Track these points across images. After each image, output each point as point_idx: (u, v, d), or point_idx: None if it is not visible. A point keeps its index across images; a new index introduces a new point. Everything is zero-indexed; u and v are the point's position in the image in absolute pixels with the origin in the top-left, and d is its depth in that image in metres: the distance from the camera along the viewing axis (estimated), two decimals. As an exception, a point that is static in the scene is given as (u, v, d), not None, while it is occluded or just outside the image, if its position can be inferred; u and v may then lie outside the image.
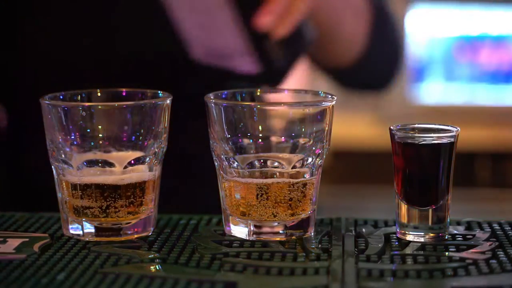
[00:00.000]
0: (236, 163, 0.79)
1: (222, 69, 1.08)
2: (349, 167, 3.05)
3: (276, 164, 0.79)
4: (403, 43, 1.35)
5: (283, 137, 0.78)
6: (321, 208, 0.86)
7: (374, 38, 1.24)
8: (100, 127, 0.79)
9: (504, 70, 3.20)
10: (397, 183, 0.80)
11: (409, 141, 0.79)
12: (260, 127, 0.78)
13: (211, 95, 0.81)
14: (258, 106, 0.78)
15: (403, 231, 0.80)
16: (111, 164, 0.79)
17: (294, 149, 0.79)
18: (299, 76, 3.09)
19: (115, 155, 0.79)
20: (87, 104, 0.80)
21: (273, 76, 0.99)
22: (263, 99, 0.86)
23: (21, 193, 1.12)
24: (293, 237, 0.80)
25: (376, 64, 1.28)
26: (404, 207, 0.80)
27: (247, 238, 0.80)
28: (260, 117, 0.78)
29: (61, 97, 0.82)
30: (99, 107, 0.79)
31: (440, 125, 0.80)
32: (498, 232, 0.81)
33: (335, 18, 1.18)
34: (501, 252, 0.76)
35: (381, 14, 1.25)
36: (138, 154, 0.80)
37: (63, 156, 0.79)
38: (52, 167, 0.81)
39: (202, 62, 1.06)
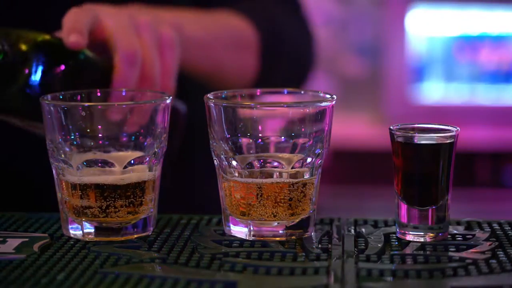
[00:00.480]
0: (235, 163, 0.79)
1: None
2: (349, 167, 3.05)
3: (275, 164, 0.79)
4: (308, 47, 1.30)
5: (282, 137, 0.78)
6: (321, 208, 0.86)
7: (268, 60, 1.21)
8: (100, 127, 0.79)
9: (504, 70, 3.20)
10: (397, 183, 0.80)
11: (409, 141, 0.79)
12: (259, 127, 0.78)
13: (211, 95, 0.81)
14: (258, 106, 0.78)
15: (403, 231, 0.80)
16: (111, 164, 0.79)
17: (293, 149, 0.79)
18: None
19: (114, 155, 0.79)
20: (87, 104, 0.80)
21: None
22: (262, 99, 0.86)
23: (21, 193, 1.12)
24: (293, 237, 0.80)
25: (281, 73, 1.26)
26: (404, 207, 0.80)
27: (247, 238, 0.80)
28: (260, 117, 0.78)
29: (61, 97, 0.82)
30: (99, 107, 0.79)
31: (440, 125, 0.80)
32: (498, 232, 0.81)
33: (219, 60, 1.16)
34: (501, 252, 0.76)
35: (274, 33, 1.22)
36: (137, 154, 0.80)
37: (63, 156, 0.79)
38: (52, 167, 0.81)
39: None
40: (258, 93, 0.86)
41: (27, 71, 0.85)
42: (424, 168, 0.79)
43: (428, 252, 0.76)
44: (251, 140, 0.78)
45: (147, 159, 0.80)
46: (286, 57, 1.23)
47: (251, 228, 0.79)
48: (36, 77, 0.86)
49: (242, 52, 1.18)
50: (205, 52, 1.11)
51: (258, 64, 1.20)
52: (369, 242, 0.79)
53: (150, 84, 0.92)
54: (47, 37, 0.88)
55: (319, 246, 0.78)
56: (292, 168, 0.79)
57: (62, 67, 0.87)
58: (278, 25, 1.22)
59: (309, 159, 0.79)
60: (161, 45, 0.94)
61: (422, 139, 0.79)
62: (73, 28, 0.87)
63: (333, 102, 0.80)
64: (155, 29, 0.94)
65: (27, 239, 0.79)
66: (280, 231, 0.80)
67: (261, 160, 0.79)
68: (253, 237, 0.79)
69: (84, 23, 0.89)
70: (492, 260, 0.74)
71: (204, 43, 1.11)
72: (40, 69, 0.86)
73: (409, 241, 0.79)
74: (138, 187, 0.80)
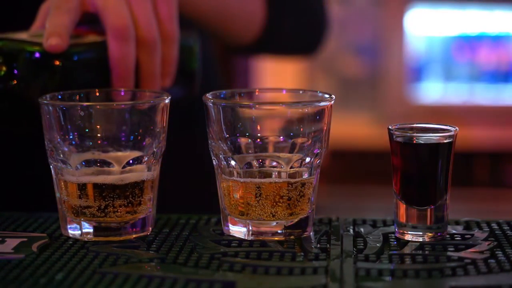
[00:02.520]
0: (234, 162, 0.79)
1: None
2: (348, 167, 3.05)
3: (274, 163, 0.79)
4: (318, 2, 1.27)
5: (281, 137, 0.78)
6: (320, 208, 0.86)
7: (276, 6, 1.17)
8: (98, 127, 0.79)
9: (502, 70, 3.20)
10: (395, 183, 0.80)
11: (407, 140, 0.79)
12: (258, 127, 0.78)
13: (210, 95, 0.81)
14: (257, 106, 0.78)
15: (401, 231, 0.80)
16: (109, 164, 0.79)
17: (292, 149, 0.79)
18: (298, 76, 3.09)
19: (113, 155, 0.79)
20: (85, 104, 0.80)
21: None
22: (261, 99, 0.86)
23: (19, 193, 1.12)
24: (292, 237, 0.80)
25: (289, 30, 1.22)
26: (402, 207, 0.80)
27: (246, 238, 0.80)
28: (259, 117, 0.78)
29: (60, 96, 0.82)
30: (98, 107, 0.79)
31: (438, 124, 0.80)
32: (496, 232, 0.81)
33: (223, 4, 1.11)
34: (500, 252, 0.76)
35: None
36: (136, 154, 0.80)
37: (61, 156, 0.79)
38: (51, 166, 0.81)
39: None
40: (256, 93, 0.86)
41: (20, 85, 0.86)
42: (423, 168, 0.79)
43: (426, 252, 0.76)
44: (250, 140, 0.78)
45: (146, 159, 0.80)
46: (295, 7, 1.20)
47: (250, 228, 0.79)
48: (33, 89, 0.86)
49: None
50: None
51: (265, 12, 1.17)
52: (368, 241, 0.79)
53: (150, 48, 0.90)
54: (34, 47, 0.87)
55: (318, 245, 0.78)
56: (291, 168, 0.79)
57: (55, 71, 0.87)
58: None
59: (307, 159, 0.79)
60: None
61: (421, 138, 0.79)
62: (53, 32, 0.87)
63: (332, 102, 0.80)
64: None
65: (25, 239, 0.79)
66: (279, 231, 0.80)
67: (260, 160, 0.79)
68: (251, 237, 0.79)
69: (65, 24, 0.88)
70: (490, 259, 0.74)
71: None
72: (32, 78, 0.86)
73: (408, 241, 0.79)
74: (137, 187, 0.80)
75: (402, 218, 0.80)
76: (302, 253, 0.76)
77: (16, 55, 0.86)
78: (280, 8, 1.18)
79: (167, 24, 0.92)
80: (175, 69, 0.94)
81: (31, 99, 0.85)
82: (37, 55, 0.86)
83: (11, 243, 0.78)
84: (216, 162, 0.80)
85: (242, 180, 0.79)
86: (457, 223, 0.84)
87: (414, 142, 0.79)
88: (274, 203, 0.79)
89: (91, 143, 0.79)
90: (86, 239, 0.80)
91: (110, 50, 0.89)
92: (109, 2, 0.89)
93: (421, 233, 0.79)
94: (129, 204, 0.80)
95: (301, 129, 0.78)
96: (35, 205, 0.98)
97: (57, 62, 0.86)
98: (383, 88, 3.15)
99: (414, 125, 0.80)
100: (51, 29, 0.87)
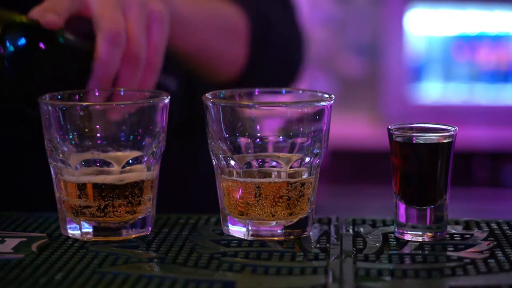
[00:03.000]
0: (234, 162, 0.79)
1: None
2: (347, 167, 3.05)
3: (274, 163, 0.79)
4: (297, 41, 1.29)
5: (281, 137, 0.78)
6: (319, 208, 0.86)
7: (258, 49, 1.19)
8: (98, 126, 0.79)
9: (502, 70, 3.20)
10: (395, 183, 0.80)
11: (407, 140, 0.79)
12: (258, 127, 0.78)
13: (209, 95, 0.81)
14: (256, 106, 0.78)
15: (401, 231, 0.80)
16: (109, 164, 0.79)
17: (292, 149, 0.79)
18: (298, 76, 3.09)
19: (113, 155, 0.79)
20: (85, 103, 0.80)
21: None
22: (261, 99, 0.86)
23: (19, 193, 1.12)
24: (291, 237, 0.80)
25: (267, 69, 1.24)
26: (402, 207, 0.80)
27: (245, 238, 0.80)
28: (258, 117, 0.78)
29: (59, 96, 0.82)
30: (97, 106, 0.79)
31: (438, 124, 0.80)
32: (496, 232, 0.81)
33: (207, 43, 1.13)
34: (499, 252, 0.76)
35: (263, 24, 1.21)
36: (136, 153, 0.80)
37: (61, 155, 0.79)
38: (50, 166, 0.81)
39: None
40: (256, 93, 0.86)
41: (2, 52, 0.85)
42: (423, 168, 0.79)
43: (426, 252, 0.76)
44: (249, 140, 0.78)
45: (146, 158, 0.80)
46: (275, 51, 1.22)
47: (250, 228, 0.79)
48: (13, 59, 0.85)
49: (231, 39, 1.17)
50: (193, 31, 1.08)
51: (247, 54, 1.18)
52: (368, 241, 0.79)
53: (134, 64, 0.90)
54: (23, 18, 0.86)
55: (318, 245, 0.78)
56: (291, 167, 0.79)
57: (40, 48, 0.86)
58: (269, 19, 1.21)
59: (307, 159, 0.79)
60: (150, 20, 0.92)
61: (421, 138, 0.79)
62: (51, 8, 0.86)
63: (332, 102, 0.80)
64: (143, 2, 0.92)
65: (25, 239, 0.79)
66: (279, 231, 0.80)
67: (260, 160, 0.79)
68: (251, 237, 0.79)
69: (63, 7, 0.87)
70: (490, 259, 0.74)
71: (193, 22, 1.08)
72: (16, 51, 0.85)
73: (408, 241, 0.79)
74: (137, 187, 0.80)
75: (402, 218, 0.80)
76: (302, 253, 0.76)
77: (4, 25, 0.85)
78: (261, 53, 1.19)
79: (154, 51, 0.92)
80: (153, 81, 0.93)
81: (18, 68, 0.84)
82: (25, 26, 0.85)
83: (11, 243, 0.78)
84: (216, 162, 0.80)
85: (241, 180, 0.79)
86: (456, 223, 0.84)
87: (414, 142, 0.79)
88: (274, 203, 0.79)
89: (90, 143, 0.79)
90: (85, 239, 0.80)
91: (98, 51, 0.88)
92: (106, 8, 0.89)
93: (420, 233, 0.79)
94: (129, 204, 0.80)
95: (301, 129, 0.78)
96: (35, 205, 0.98)
97: (43, 38, 0.85)
98: (382, 88, 3.15)
99: (414, 125, 0.80)
100: (50, 6, 0.87)
